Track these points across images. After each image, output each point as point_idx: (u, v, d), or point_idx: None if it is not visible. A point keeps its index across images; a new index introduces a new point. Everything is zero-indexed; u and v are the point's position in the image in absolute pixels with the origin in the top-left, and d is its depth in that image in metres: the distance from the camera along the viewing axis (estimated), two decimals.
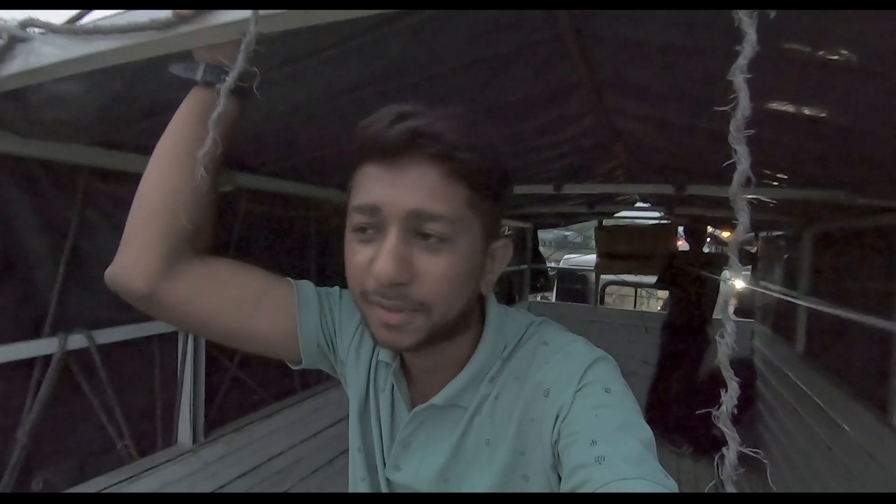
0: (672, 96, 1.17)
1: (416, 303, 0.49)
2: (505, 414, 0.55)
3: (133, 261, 0.57)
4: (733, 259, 0.34)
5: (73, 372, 1.13)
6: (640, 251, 3.85)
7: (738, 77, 0.32)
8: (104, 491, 1.16)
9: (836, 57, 0.73)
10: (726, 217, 3.32)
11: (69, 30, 0.61)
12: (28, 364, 1.05)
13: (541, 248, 5.27)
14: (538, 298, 5.22)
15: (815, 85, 0.87)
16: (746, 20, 0.32)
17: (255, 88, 0.55)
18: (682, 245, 3.98)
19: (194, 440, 1.39)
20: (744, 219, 0.34)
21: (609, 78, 1.18)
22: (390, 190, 0.48)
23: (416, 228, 0.48)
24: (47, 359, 1.07)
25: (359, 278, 0.51)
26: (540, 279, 4.76)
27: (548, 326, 0.61)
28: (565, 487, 0.45)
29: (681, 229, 3.93)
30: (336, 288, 0.71)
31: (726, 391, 0.34)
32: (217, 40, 0.55)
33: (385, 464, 0.63)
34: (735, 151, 0.33)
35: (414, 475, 0.59)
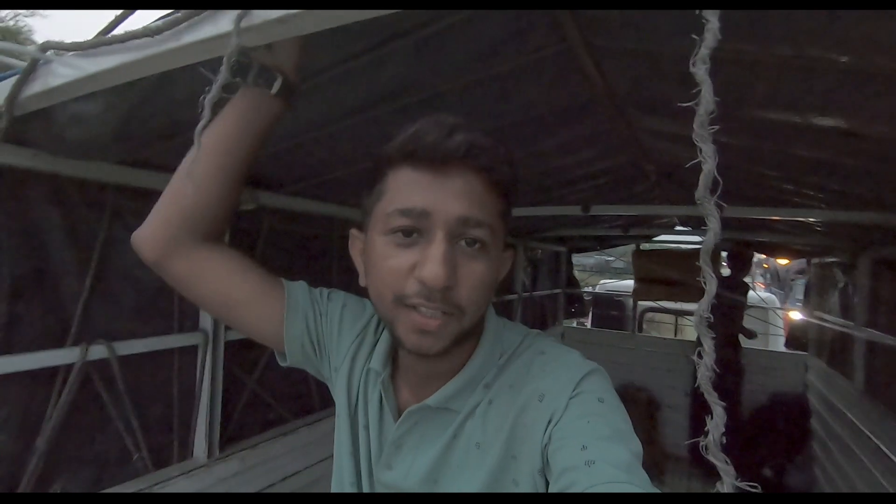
0: (694, 111, 1.12)
1: (455, 306, 0.51)
2: (498, 419, 0.56)
3: (147, 232, 0.64)
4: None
5: (94, 382, 1.16)
6: (680, 277, 3.67)
7: (701, 69, 0.29)
8: None
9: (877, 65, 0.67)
10: (774, 242, 3.13)
11: (79, 47, 0.64)
12: (51, 373, 1.09)
13: (579, 273, 5.14)
14: (574, 324, 5.07)
15: (858, 97, 0.80)
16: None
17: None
18: (726, 271, 3.77)
19: (209, 455, 1.40)
20: (714, 224, 0.30)
21: (628, 93, 1.14)
22: (440, 195, 0.50)
23: (461, 234, 0.50)
24: (69, 368, 1.11)
25: (396, 282, 0.51)
26: (575, 304, 4.63)
27: (544, 338, 0.62)
28: (553, 489, 0.46)
29: (724, 254, 3.73)
30: (341, 294, 0.72)
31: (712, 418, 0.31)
32: (202, 57, 0.56)
33: (373, 467, 0.64)
34: (700, 150, 0.29)
35: (404, 476, 0.60)
